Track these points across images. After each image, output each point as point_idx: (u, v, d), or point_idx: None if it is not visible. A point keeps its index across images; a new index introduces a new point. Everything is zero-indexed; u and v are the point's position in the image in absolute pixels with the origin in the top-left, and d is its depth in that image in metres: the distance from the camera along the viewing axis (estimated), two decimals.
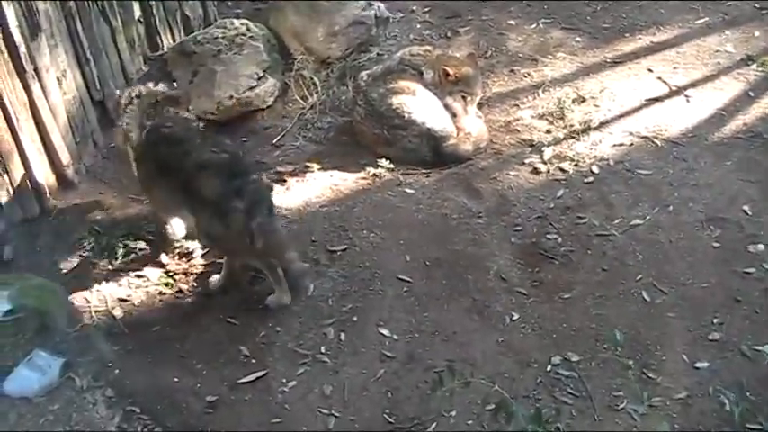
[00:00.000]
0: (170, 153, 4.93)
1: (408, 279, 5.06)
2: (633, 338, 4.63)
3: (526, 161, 5.82)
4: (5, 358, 4.57)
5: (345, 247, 5.24)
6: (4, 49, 5.22)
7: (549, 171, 5.71)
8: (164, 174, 4.98)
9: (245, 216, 4.73)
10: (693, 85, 6.35)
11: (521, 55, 6.80)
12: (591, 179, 5.61)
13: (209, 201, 4.77)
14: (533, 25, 7.10)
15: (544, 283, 5.01)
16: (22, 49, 5.31)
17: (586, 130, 5.96)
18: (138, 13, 6.43)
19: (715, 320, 4.71)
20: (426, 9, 7.36)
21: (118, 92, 5.78)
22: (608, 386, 4.44)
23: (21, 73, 5.34)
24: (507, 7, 7.33)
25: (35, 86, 5.46)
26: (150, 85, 5.43)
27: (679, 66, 6.54)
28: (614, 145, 5.84)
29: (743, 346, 4.57)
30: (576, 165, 5.72)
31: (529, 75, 6.59)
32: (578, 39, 6.92)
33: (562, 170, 5.70)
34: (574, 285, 4.98)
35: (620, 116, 6.09)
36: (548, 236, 5.28)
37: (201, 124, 5.62)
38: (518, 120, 6.19)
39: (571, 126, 6.01)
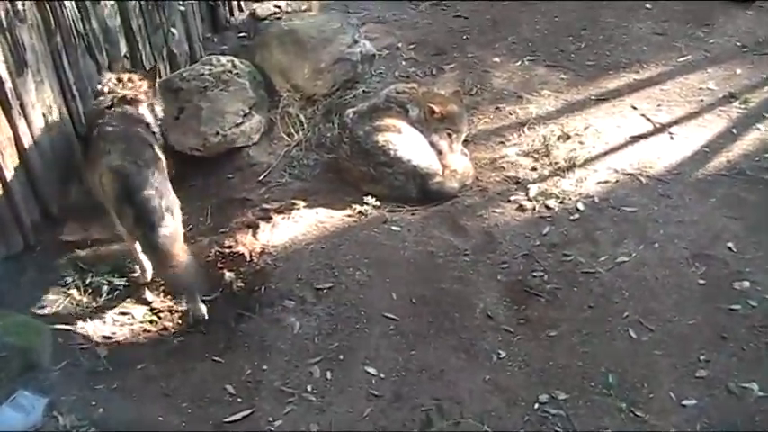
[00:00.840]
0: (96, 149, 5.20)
1: (395, 317, 5.04)
2: (620, 376, 4.63)
3: (512, 198, 5.83)
4: None
5: (332, 284, 5.22)
6: None
7: (534, 208, 5.72)
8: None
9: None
10: (677, 122, 6.40)
11: (506, 92, 6.84)
12: (576, 216, 5.63)
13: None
14: (518, 62, 7.16)
15: (530, 321, 5.01)
16: (8, 85, 5.29)
17: (571, 167, 5.98)
18: (124, 49, 6.42)
19: (702, 357, 4.71)
20: (412, 46, 7.42)
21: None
22: (596, 424, 4.43)
23: (6, 108, 5.31)
24: (492, 44, 7.40)
25: (20, 122, 5.43)
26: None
27: (663, 103, 6.60)
28: (599, 182, 5.87)
29: (730, 384, 4.57)
30: (561, 202, 5.73)
31: (514, 112, 6.62)
32: (563, 76, 6.98)
33: (548, 207, 5.71)
34: (560, 323, 4.97)
35: (605, 153, 6.12)
36: (534, 273, 5.28)
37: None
38: (503, 157, 6.21)
39: (556, 163, 6.04)
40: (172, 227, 5.07)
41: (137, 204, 4.97)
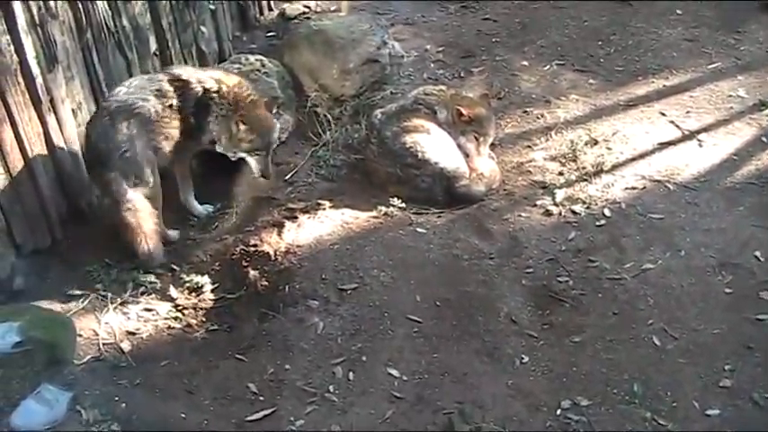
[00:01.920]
0: None
1: (418, 319, 5.04)
2: (644, 384, 4.60)
3: (538, 203, 5.81)
4: (13, 391, 4.52)
5: (356, 285, 5.22)
6: (20, 80, 5.23)
7: (560, 213, 5.70)
8: None
9: None
10: (706, 129, 6.35)
11: (534, 96, 6.82)
12: (603, 222, 5.60)
13: None
14: (547, 66, 7.13)
15: (554, 326, 4.99)
16: (39, 81, 5.33)
17: (599, 172, 5.95)
18: (153, 46, 6.45)
19: (726, 367, 4.68)
20: (440, 48, 7.41)
21: None
22: None
23: (36, 104, 5.36)
24: (521, 48, 7.38)
25: (50, 118, 5.47)
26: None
27: (692, 110, 6.55)
28: (626, 188, 5.84)
29: (754, 394, 4.53)
30: (587, 207, 5.71)
31: (542, 116, 6.60)
32: (591, 81, 6.95)
33: (574, 212, 5.69)
34: (584, 329, 4.95)
35: (633, 159, 6.09)
36: (559, 278, 5.26)
37: None
38: (530, 161, 6.19)
39: (583, 168, 6.01)
40: None
41: None
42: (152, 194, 5.51)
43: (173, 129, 5.56)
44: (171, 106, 5.52)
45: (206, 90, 5.59)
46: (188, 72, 5.70)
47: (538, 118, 6.59)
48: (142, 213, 5.41)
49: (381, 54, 6.91)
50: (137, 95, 5.46)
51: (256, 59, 6.69)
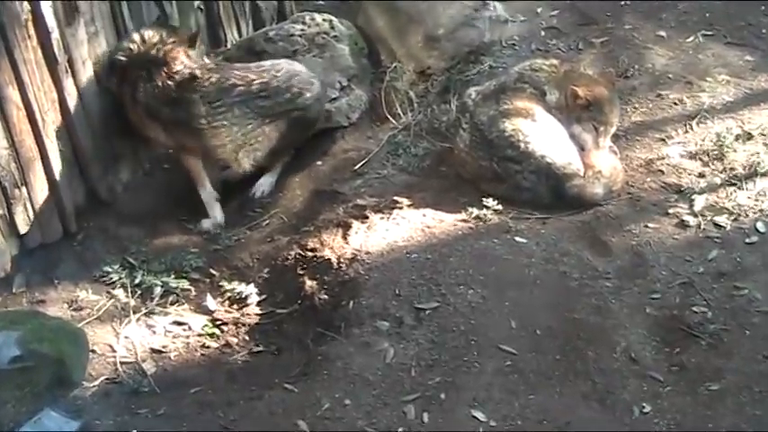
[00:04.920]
0: None
1: (513, 351, 5.03)
2: None
3: (671, 211, 5.77)
4: (7, 417, 4.58)
5: (437, 305, 5.23)
6: (33, 32, 5.32)
7: (699, 225, 5.64)
8: None
9: None
10: None
11: (671, 75, 6.75)
12: (754, 239, 5.54)
13: None
14: (690, 38, 7.06)
15: (686, 369, 4.94)
16: (55, 35, 5.42)
17: (752, 175, 5.89)
18: None
19: None
20: (554, 12, 7.37)
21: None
22: None
23: (51, 64, 5.46)
24: (657, 13, 7.29)
25: (67, 82, 5.58)
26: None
27: None
28: None
29: None
30: (735, 219, 5.65)
31: (680, 101, 6.54)
32: (748, 58, 6.85)
33: (717, 225, 5.63)
34: (725, 374, 4.89)
35: None
36: (694, 308, 5.21)
37: None
38: (663, 158, 6.15)
39: (732, 169, 5.96)
40: None
41: None
42: None
43: None
44: None
45: None
46: None
47: (675, 103, 6.53)
48: None
49: (479, 17, 6.92)
50: None
51: (324, 20, 6.76)
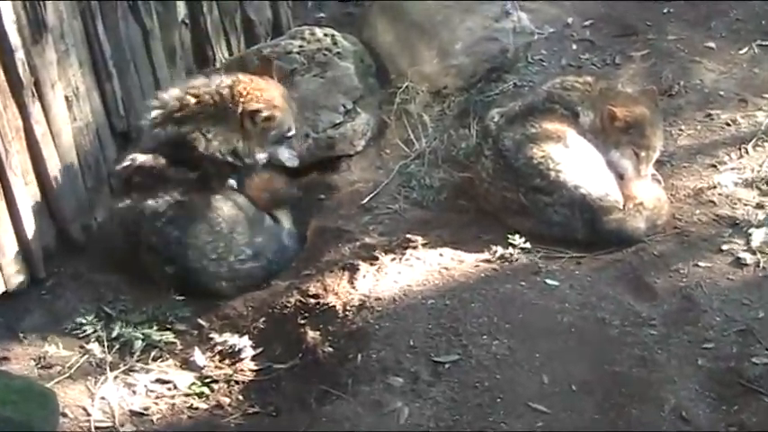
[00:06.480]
0: None
1: (545, 409, 4.98)
2: None
3: (725, 247, 5.75)
4: None
5: (457, 357, 5.20)
6: None
7: (758, 264, 5.62)
8: None
9: None
10: None
11: (722, 93, 6.78)
12: None
13: None
14: (743, 50, 7.09)
15: (746, 428, 4.89)
16: (19, 54, 5.42)
17: None
18: (182, 12, 6.56)
19: None
20: (588, 22, 7.41)
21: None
22: None
23: (15, 87, 5.45)
24: (706, 22, 7.34)
25: (34, 107, 5.57)
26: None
27: None
28: None
29: None
30: None
31: (733, 122, 6.57)
32: None
33: None
34: None
35: None
36: (753, 359, 5.16)
37: None
38: (714, 187, 6.15)
39: None
40: None
41: None
42: None
43: None
44: None
45: None
46: None
47: (727, 124, 6.56)
48: None
49: (502, 29, 6.93)
50: None
51: (326, 34, 6.78)
